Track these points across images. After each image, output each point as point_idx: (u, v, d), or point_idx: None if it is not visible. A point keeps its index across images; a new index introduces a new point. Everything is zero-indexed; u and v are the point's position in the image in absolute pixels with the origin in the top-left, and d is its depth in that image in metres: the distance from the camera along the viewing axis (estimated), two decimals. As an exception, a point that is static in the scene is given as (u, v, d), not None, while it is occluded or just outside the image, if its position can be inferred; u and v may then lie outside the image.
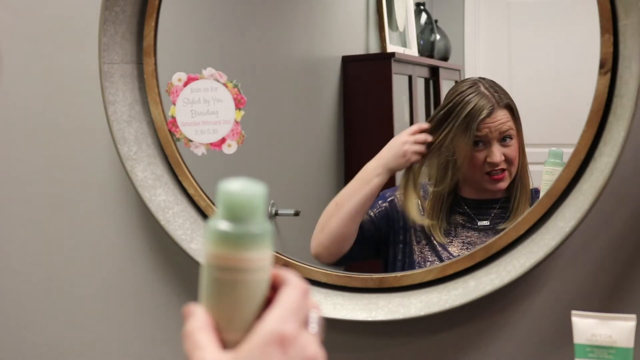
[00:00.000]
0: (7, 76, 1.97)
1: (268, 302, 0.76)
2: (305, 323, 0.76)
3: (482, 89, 1.76)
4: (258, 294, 0.75)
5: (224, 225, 0.74)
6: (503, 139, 1.74)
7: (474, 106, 1.75)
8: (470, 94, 1.78)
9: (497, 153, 1.73)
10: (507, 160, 1.74)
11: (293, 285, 0.77)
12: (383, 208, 1.83)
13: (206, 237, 0.75)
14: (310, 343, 0.75)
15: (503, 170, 1.75)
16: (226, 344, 0.74)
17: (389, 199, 1.83)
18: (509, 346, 1.66)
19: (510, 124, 1.75)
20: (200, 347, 0.73)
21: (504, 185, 1.76)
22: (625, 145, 1.45)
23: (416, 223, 1.80)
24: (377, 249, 1.83)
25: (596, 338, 1.36)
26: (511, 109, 1.75)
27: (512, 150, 1.75)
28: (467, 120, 1.75)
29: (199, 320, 0.75)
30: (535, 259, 1.54)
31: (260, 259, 0.75)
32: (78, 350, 1.95)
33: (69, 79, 1.91)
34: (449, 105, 1.78)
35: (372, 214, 1.82)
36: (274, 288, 0.77)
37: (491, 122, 1.74)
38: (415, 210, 1.80)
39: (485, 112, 1.74)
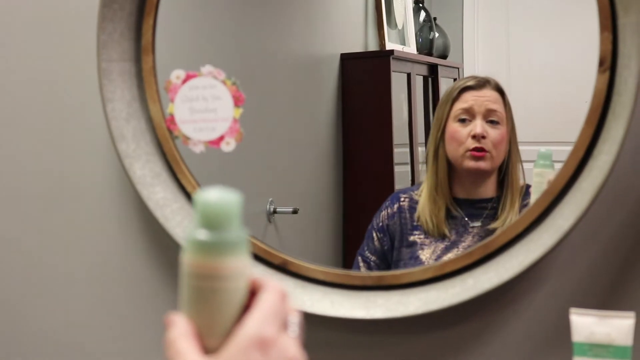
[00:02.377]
0: (5, 73, 1.96)
1: (247, 307, 0.77)
2: (284, 326, 0.78)
3: (477, 75, 1.79)
4: (237, 300, 0.77)
5: (201, 234, 0.76)
6: (490, 121, 1.75)
7: (465, 81, 1.78)
8: (466, 77, 1.82)
9: (480, 126, 1.74)
10: (491, 141, 1.75)
11: (271, 289, 0.78)
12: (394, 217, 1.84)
13: (184, 246, 0.77)
14: (291, 346, 0.76)
15: (484, 149, 1.75)
16: (207, 350, 0.76)
17: (396, 206, 1.84)
18: (508, 344, 1.66)
19: (499, 107, 1.76)
20: (181, 354, 0.75)
21: (484, 165, 1.76)
22: (624, 143, 1.45)
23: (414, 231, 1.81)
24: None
25: (595, 336, 1.35)
26: (503, 94, 1.76)
27: (497, 133, 1.75)
28: (454, 89, 1.77)
29: (180, 328, 0.76)
30: (533, 257, 1.54)
31: (238, 266, 0.76)
32: (75, 347, 1.95)
33: (68, 77, 1.91)
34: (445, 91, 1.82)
35: (381, 224, 1.84)
36: (253, 294, 0.78)
37: (479, 95, 1.75)
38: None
39: (473, 82, 1.76)
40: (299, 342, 0.78)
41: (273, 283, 0.79)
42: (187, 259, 0.76)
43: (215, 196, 0.76)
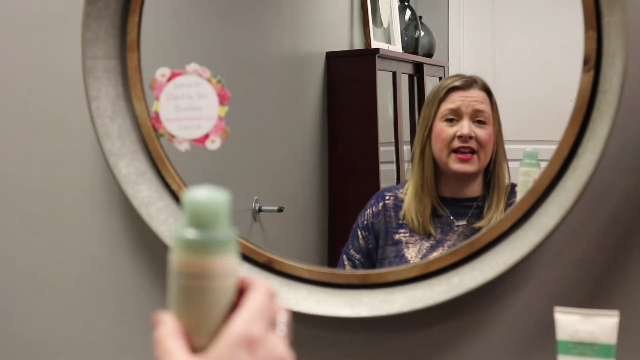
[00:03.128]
0: (-10, 71, 1.96)
1: (236, 306, 0.78)
2: (272, 325, 0.78)
3: (465, 74, 1.79)
4: (225, 299, 0.77)
5: (189, 232, 0.76)
6: (477, 121, 1.75)
7: (452, 80, 1.78)
8: (453, 76, 1.81)
9: (467, 126, 1.74)
10: (478, 141, 1.75)
11: (259, 288, 0.78)
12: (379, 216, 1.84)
13: (173, 246, 0.77)
14: (278, 344, 0.76)
15: (472, 151, 1.75)
16: (195, 349, 0.76)
17: (381, 204, 1.84)
18: (493, 342, 1.66)
19: (486, 107, 1.76)
20: (169, 353, 0.75)
21: (470, 168, 1.76)
22: (609, 142, 1.45)
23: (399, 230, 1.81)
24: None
25: (579, 334, 1.36)
26: (490, 94, 1.76)
27: (484, 133, 1.75)
28: (441, 89, 1.77)
29: (168, 327, 0.76)
30: (518, 255, 1.54)
31: (226, 265, 0.77)
32: (59, 345, 1.94)
33: (52, 75, 1.90)
34: (431, 89, 1.81)
35: (366, 222, 1.84)
36: (242, 293, 0.79)
37: (466, 95, 1.75)
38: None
39: (460, 82, 1.76)
40: (287, 341, 0.78)
41: (261, 282, 0.79)
42: (176, 258, 0.76)
43: (204, 195, 0.76)
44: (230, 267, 0.77)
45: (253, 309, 0.76)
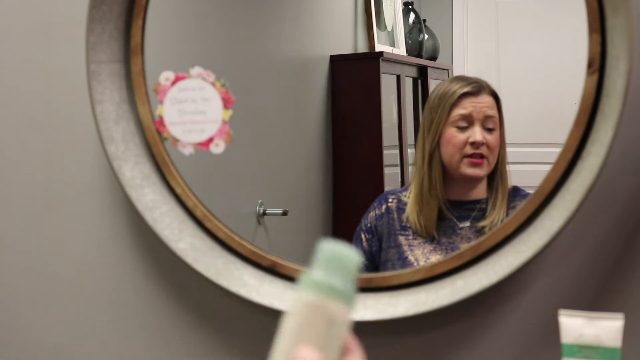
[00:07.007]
0: (-6, 75, 1.96)
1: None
2: None
3: (468, 76, 1.79)
4: (337, 345, 0.82)
5: (323, 275, 0.83)
6: (487, 128, 1.75)
7: (460, 85, 1.78)
8: (456, 79, 1.81)
9: (479, 133, 1.74)
10: (488, 147, 1.75)
11: (358, 357, 0.83)
12: (381, 219, 1.84)
13: (301, 284, 0.83)
14: None
15: (482, 156, 1.76)
16: None
17: (383, 207, 1.84)
18: (497, 346, 1.66)
19: (495, 112, 1.76)
20: None
21: (481, 172, 1.77)
22: (613, 144, 1.45)
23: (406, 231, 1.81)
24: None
25: (584, 338, 1.35)
26: (497, 98, 1.77)
27: (493, 139, 1.76)
28: (452, 94, 1.77)
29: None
30: (523, 258, 1.54)
31: (344, 315, 0.83)
32: (63, 350, 1.94)
33: (56, 78, 1.91)
34: (435, 92, 1.80)
35: (369, 224, 1.84)
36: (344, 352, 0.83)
37: (477, 101, 1.75)
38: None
39: (470, 88, 1.76)
40: None
41: (359, 350, 0.84)
42: (304, 295, 0.82)
43: (342, 248, 0.84)
44: (347, 319, 0.83)
45: None
